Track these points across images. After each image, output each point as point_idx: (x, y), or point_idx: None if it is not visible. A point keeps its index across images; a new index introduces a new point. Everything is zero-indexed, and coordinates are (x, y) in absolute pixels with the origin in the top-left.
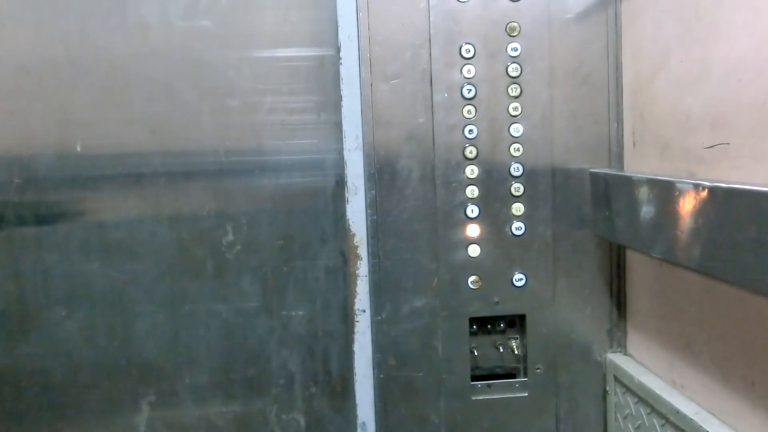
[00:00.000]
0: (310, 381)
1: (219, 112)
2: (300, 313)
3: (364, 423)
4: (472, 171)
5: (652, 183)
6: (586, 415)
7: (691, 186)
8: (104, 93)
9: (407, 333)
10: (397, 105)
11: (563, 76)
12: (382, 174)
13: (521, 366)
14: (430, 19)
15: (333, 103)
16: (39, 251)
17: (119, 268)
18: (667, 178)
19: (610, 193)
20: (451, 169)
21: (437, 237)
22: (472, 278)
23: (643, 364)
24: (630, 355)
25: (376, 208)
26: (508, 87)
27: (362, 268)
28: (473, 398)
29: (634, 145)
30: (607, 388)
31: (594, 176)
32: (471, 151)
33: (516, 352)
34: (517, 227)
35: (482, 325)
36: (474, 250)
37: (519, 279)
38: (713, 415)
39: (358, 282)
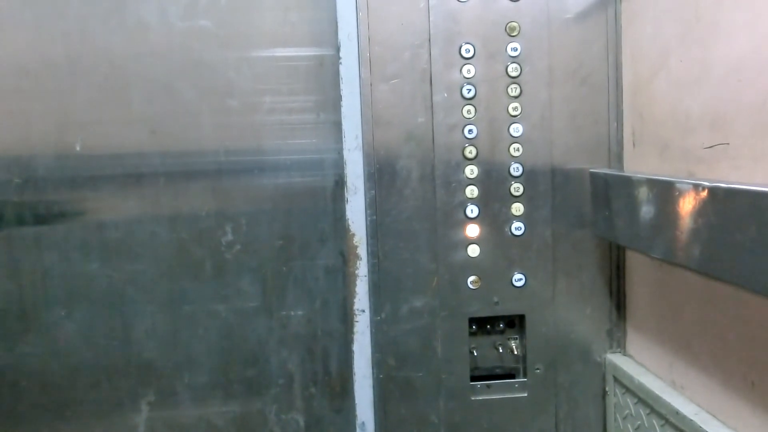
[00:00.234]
0: (309, 381)
1: (218, 112)
2: (299, 313)
3: (363, 423)
4: (471, 171)
5: (652, 183)
6: (586, 416)
7: (690, 186)
8: (104, 93)
9: (407, 333)
10: (396, 105)
11: (563, 76)
12: (382, 174)
13: (521, 366)
14: (430, 19)
15: (332, 103)
16: (38, 251)
17: (118, 268)
18: (666, 178)
19: (609, 193)
20: (450, 169)
21: (437, 237)
22: (471, 278)
23: (643, 365)
24: (629, 356)
25: (375, 208)
26: (507, 87)
27: (362, 268)
28: (472, 398)
29: (633, 145)
30: (607, 389)
31: (594, 176)
32: (470, 151)
33: (515, 353)
34: (517, 227)
35: (482, 325)
36: (473, 250)
37: (518, 279)
38: (713, 415)
39: (358, 282)
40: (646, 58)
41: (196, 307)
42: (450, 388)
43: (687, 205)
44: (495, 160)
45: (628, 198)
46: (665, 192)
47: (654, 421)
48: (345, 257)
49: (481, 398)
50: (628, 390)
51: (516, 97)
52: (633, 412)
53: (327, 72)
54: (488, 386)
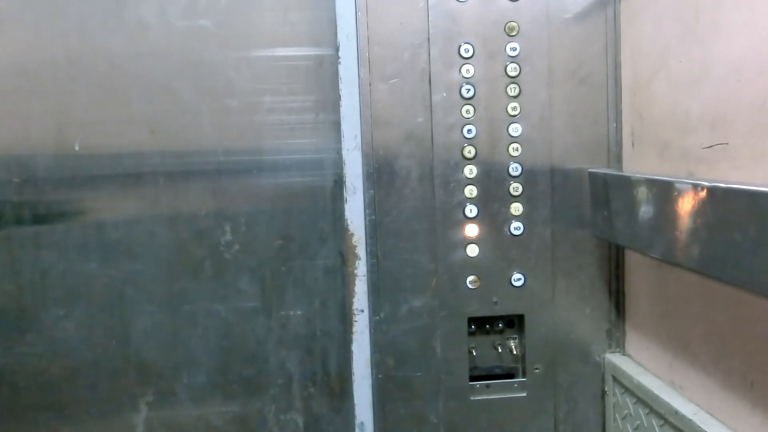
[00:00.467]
0: (308, 381)
1: (218, 112)
2: (298, 312)
3: (362, 423)
4: (470, 171)
5: (651, 183)
6: (585, 416)
7: (690, 186)
8: (103, 93)
9: (406, 333)
10: (395, 105)
11: (562, 75)
12: (381, 174)
13: (520, 366)
14: (429, 18)
15: (332, 103)
16: (37, 251)
17: (118, 267)
18: (666, 178)
19: (609, 193)
20: (449, 168)
21: (436, 237)
22: (470, 278)
23: (642, 365)
24: (629, 356)
25: (374, 208)
26: (506, 87)
27: (361, 268)
28: (472, 398)
29: (633, 145)
30: (606, 389)
31: (593, 176)
32: (470, 151)
33: (514, 352)
34: (516, 227)
35: (481, 325)
36: (473, 250)
37: (518, 279)
38: (712, 415)
39: (357, 282)
40: (645, 58)
41: (195, 306)
42: (449, 388)
43: (686, 205)
44: (494, 159)
45: (627, 198)
46: (664, 192)
47: (653, 421)
48: (344, 257)
49: (480, 398)
50: (627, 390)
51: (515, 97)
52: (632, 411)
53: (326, 72)
54: (487, 386)
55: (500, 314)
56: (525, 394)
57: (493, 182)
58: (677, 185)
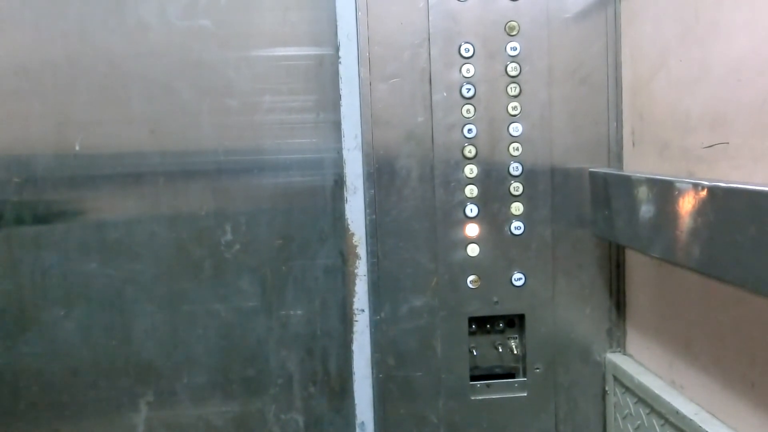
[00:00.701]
0: (308, 381)
1: (218, 112)
2: (299, 312)
3: (362, 423)
4: (471, 170)
5: (652, 182)
6: (586, 415)
7: (690, 186)
8: (103, 93)
9: (406, 333)
10: (396, 104)
11: (562, 75)
12: (381, 173)
13: (520, 366)
14: (429, 18)
15: (332, 103)
16: (38, 251)
17: (118, 267)
18: (666, 178)
19: (609, 192)
20: (450, 168)
21: (436, 236)
22: (471, 278)
23: (643, 364)
24: (629, 355)
25: (375, 208)
26: (507, 86)
27: (361, 268)
28: (472, 398)
29: (633, 144)
30: (607, 388)
31: (593, 176)
32: (470, 151)
33: (515, 352)
34: (517, 227)
35: (481, 324)
36: (473, 250)
37: (518, 278)
38: (713, 415)
39: (357, 281)
40: (645, 57)
41: (195, 306)
42: (449, 388)
43: (686, 204)
44: (494, 159)
45: (627, 197)
46: (665, 191)
47: (654, 421)
48: (344, 257)
49: (480, 398)
50: (627, 389)
51: (515, 97)
52: (633, 411)
53: (326, 72)
54: (488, 386)
55: (501, 314)
56: (525, 394)
57: (493, 182)
58: (678, 185)
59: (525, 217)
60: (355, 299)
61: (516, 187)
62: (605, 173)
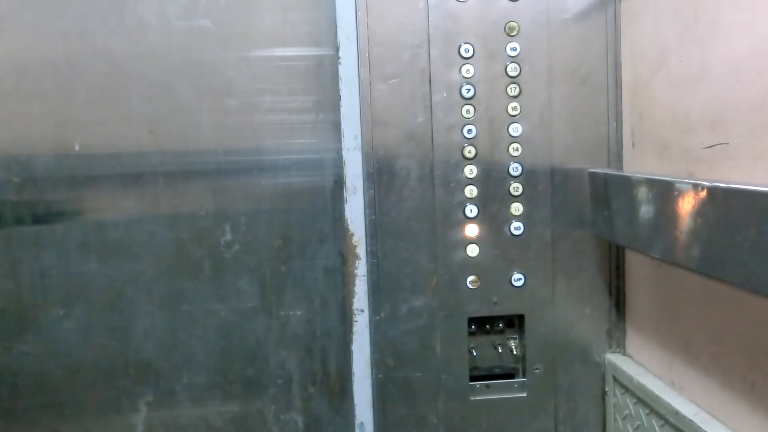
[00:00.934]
0: (308, 381)
1: (218, 112)
2: (298, 312)
3: (362, 423)
4: (470, 171)
5: (651, 183)
6: (585, 416)
7: (690, 186)
8: (103, 93)
9: (406, 333)
10: (395, 105)
11: (562, 75)
12: (381, 174)
13: (520, 366)
14: (429, 19)
15: (332, 103)
16: (37, 251)
17: (117, 267)
18: (666, 178)
19: (609, 193)
20: (449, 168)
21: (436, 237)
22: (470, 278)
23: (643, 365)
24: (629, 356)
25: (374, 208)
26: (507, 87)
27: (361, 268)
28: (472, 398)
29: (633, 145)
30: (606, 389)
31: (593, 176)
32: (470, 151)
33: (515, 353)
34: (516, 227)
35: (481, 325)
36: (473, 250)
37: (518, 279)
38: (712, 416)
39: (357, 282)
40: (645, 58)
41: (194, 306)
42: (449, 388)
43: (686, 205)
44: (494, 159)
45: (627, 198)
46: (665, 192)
47: (653, 422)
48: (344, 257)
49: (480, 398)
50: (627, 390)
51: (515, 97)
52: (632, 412)
53: (326, 72)
54: (487, 386)
55: (500, 314)
56: (525, 395)
57: (493, 182)
58: (677, 185)
59: (525, 218)
60: (355, 299)
61: (516, 188)
62: (605, 174)
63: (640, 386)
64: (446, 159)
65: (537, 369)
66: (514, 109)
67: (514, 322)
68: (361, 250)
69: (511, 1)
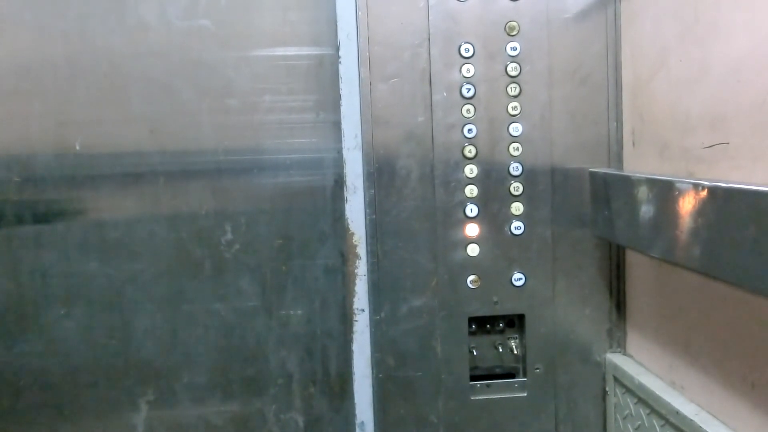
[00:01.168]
0: (308, 381)
1: (218, 112)
2: (299, 312)
3: (362, 423)
4: (471, 170)
5: (652, 183)
6: (586, 416)
7: (690, 186)
8: (103, 92)
9: (406, 333)
10: (396, 104)
11: (562, 75)
12: (381, 173)
13: (520, 366)
14: (429, 18)
15: (332, 103)
16: (38, 250)
17: (118, 267)
18: (666, 178)
19: (609, 192)
20: (450, 168)
21: (436, 236)
22: (471, 278)
23: (643, 365)
24: (629, 356)
25: (375, 208)
26: (507, 86)
27: (361, 268)
28: (472, 398)
29: (633, 144)
30: (607, 389)
31: (593, 176)
32: (470, 151)
33: (515, 352)
34: (517, 227)
35: (481, 324)
36: (473, 250)
37: (518, 279)
38: (713, 416)
39: (357, 281)
40: (645, 57)
41: (195, 306)
42: (449, 388)
43: (687, 204)
44: (494, 159)
45: (627, 198)
46: (665, 192)
47: (654, 421)
48: (344, 256)
49: (480, 398)
50: (628, 390)
51: (515, 97)
52: (633, 412)
53: (326, 71)
54: (488, 386)
55: (501, 314)
56: (525, 394)
57: (493, 182)
58: (678, 185)
59: (525, 217)
60: (355, 299)
61: (516, 187)
62: (605, 173)
63: (641, 386)
64: (446, 158)
65: (537, 369)
66: (514, 108)
67: (515, 322)
68: (362, 250)
69: (512, 0)
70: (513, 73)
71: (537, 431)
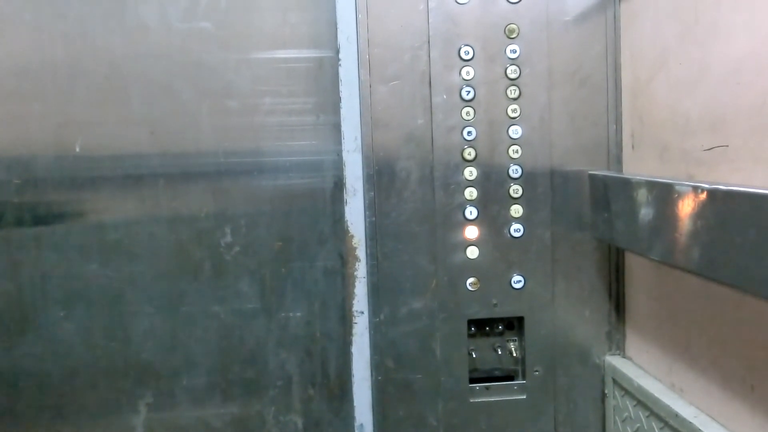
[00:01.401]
0: (308, 383)
1: (218, 114)
2: (298, 314)
3: (361, 425)
4: (470, 173)
5: (651, 185)
6: (585, 418)
7: (690, 188)
8: (103, 94)
9: (405, 335)
10: (395, 107)
11: (562, 78)
12: (381, 175)
13: (519, 368)
14: (429, 21)
15: (332, 105)
16: (37, 252)
17: (117, 269)
18: (665, 180)
19: (608, 195)
20: (449, 170)
21: (436, 239)
22: (470, 280)
23: (642, 367)
24: (629, 358)
25: (374, 210)
26: (506, 89)
27: (360, 270)
28: (471, 400)
29: (633, 147)
30: (606, 391)
31: (593, 178)
32: (470, 153)
33: (514, 355)
34: (516, 229)
35: (481, 327)
36: (472, 252)
37: (517, 281)
38: (712, 418)
39: (357, 283)
40: (645, 60)
41: (194, 308)
42: (449, 390)
43: (686, 207)
44: (494, 162)
45: (627, 200)
46: (664, 194)
47: (653, 424)
48: (344, 259)
49: (479, 400)
50: (627, 392)
51: (515, 99)
52: (632, 414)
53: (326, 74)
54: (487, 388)
55: (500, 316)
56: (525, 397)
57: (493, 184)
58: (677, 187)
59: (524, 220)
60: (355, 301)
61: (515, 190)
62: (605, 176)
63: (640, 388)
64: (446, 161)
65: (536, 371)
66: (513, 111)
67: (514, 324)
68: (361, 252)
69: (511, 3)
70: (512, 76)
71: None
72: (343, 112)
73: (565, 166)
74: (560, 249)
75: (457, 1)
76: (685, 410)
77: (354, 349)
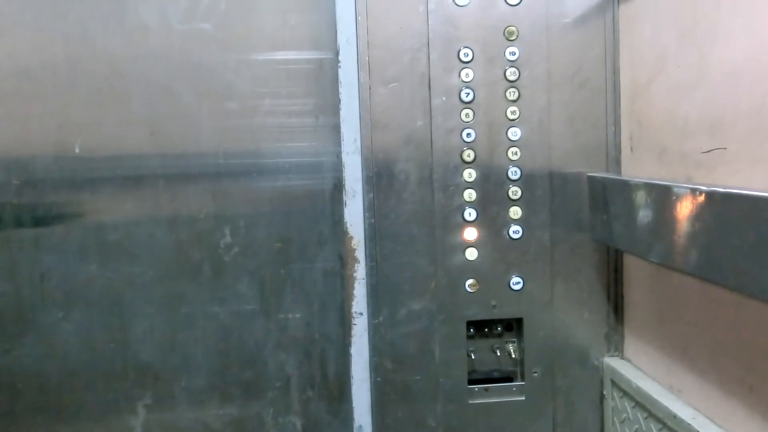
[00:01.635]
0: (306, 384)
1: (217, 115)
2: (297, 315)
3: (360, 426)
4: (470, 174)
5: (650, 187)
6: (583, 419)
7: (688, 190)
8: (103, 95)
9: (404, 336)
10: (395, 108)
11: (561, 80)
12: (380, 177)
13: (518, 370)
14: (429, 23)
15: (331, 107)
16: (37, 253)
17: (117, 270)
18: (664, 183)
19: (607, 197)
20: (449, 172)
21: (435, 240)
22: (469, 281)
23: (641, 369)
24: (627, 359)
25: (374, 211)
26: (506, 91)
27: (360, 271)
28: (470, 402)
29: (631, 149)
30: (605, 392)
31: (592, 180)
32: (469, 155)
33: (513, 356)
34: (515, 231)
35: (479, 328)
36: (471, 254)
37: (516, 282)
38: (710, 419)
39: (356, 285)
40: (644, 62)
41: (194, 309)
42: (447, 392)
43: (684, 209)
44: (493, 163)
45: (625, 202)
46: (663, 196)
47: (651, 425)
48: (343, 260)
49: (478, 402)
50: (625, 394)
51: (514, 101)
52: (630, 415)
53: (326, 75)
54: (486, 390)
55: (499, 318)
56: (523, 398)
57: (492, 186)
58: (676, 189)
59: (523, 221)
60: (354, 302)
61: (514, 192)
62: (603, 178)
63: (638, 390)
64: (445, 162)
65: (535, 372)
66: (513, 113)
67: (513, 326)
68: (360, 253)
69: (511, 5)
70: (512, 78)
71: None
72: (342, 113)
73: (564, 168)
74: (559, 251)
75: (456, 3)
76: (684, 411)
77: (353, 350)
